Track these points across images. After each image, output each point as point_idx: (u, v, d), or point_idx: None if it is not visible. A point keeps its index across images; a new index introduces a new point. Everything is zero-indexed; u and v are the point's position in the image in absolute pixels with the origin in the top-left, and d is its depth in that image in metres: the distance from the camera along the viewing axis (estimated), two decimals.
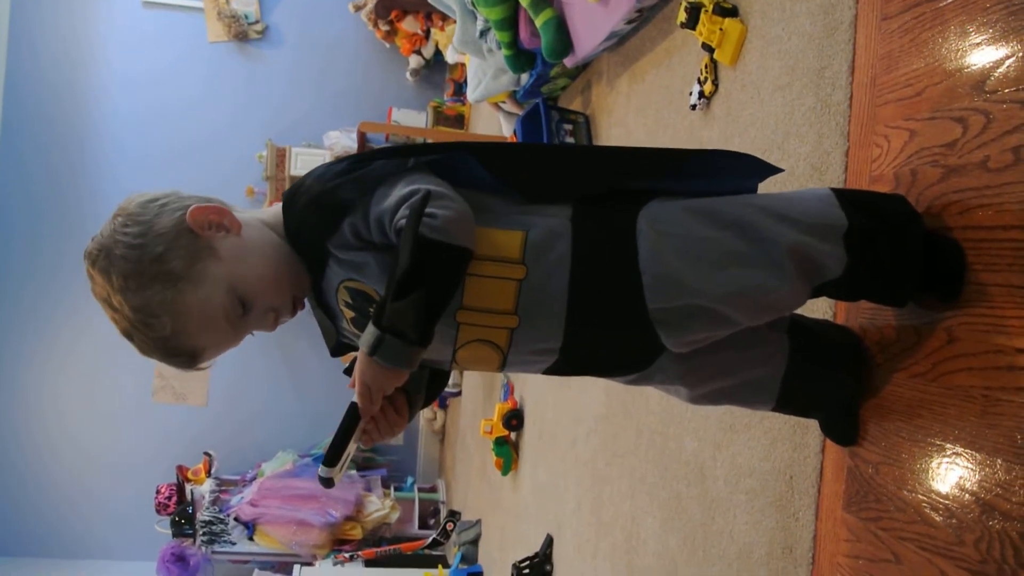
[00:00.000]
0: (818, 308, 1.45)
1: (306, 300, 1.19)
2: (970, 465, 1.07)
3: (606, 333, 1.12)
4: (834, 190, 1.17)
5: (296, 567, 4.82)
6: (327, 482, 1.06)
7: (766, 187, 1.27)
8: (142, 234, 1.06)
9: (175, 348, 1.08)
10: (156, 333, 1.06)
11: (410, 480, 5.94)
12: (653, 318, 1.08)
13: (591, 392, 2.75)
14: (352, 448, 1.08)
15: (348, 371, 1.11)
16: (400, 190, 1.03)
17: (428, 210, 0.98)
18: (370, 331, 0.98)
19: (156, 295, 1.04)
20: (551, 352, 1.13)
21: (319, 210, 1.08)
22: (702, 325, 1.09)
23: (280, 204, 1.17)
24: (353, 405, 1.05)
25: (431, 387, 1.24)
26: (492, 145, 1.17)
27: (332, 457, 1.05)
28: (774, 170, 1.20)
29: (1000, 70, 1.07)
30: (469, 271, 1.04)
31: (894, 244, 1.14)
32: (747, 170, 1.21)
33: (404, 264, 0.96)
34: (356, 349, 1.21)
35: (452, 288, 1.02)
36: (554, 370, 1.18)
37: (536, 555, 3.08)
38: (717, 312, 1.08)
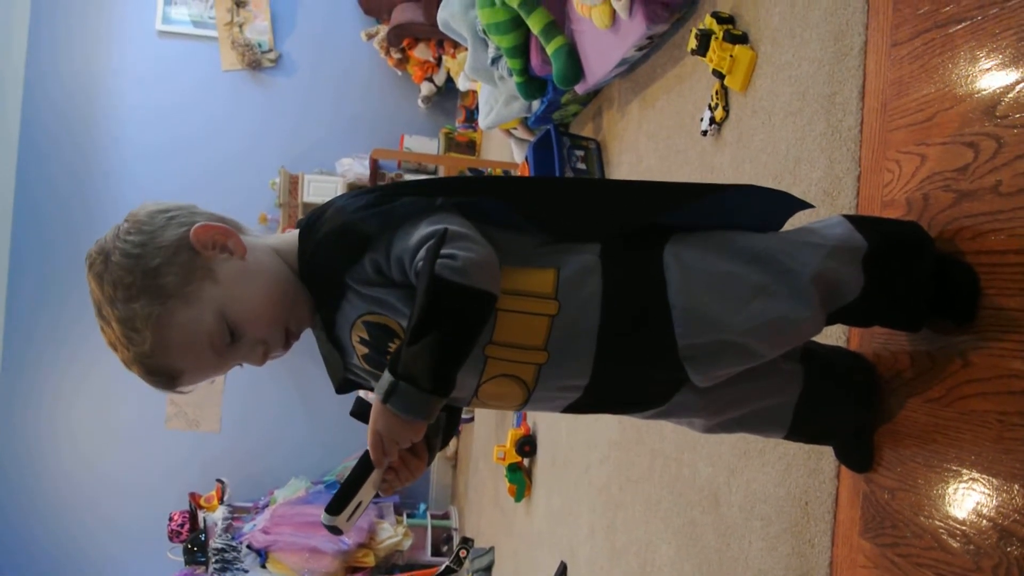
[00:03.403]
0: (832, 334, 1.44)
1: (314, 333, 1.14)
2: (987, 491, 1.06)
3: (633, 371, 1.11)
4: (846, 216, 1.17)
5: None
6: (333, 530, 1.02)
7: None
8: (142, 244, 1.03)
9: (153, 366, 1.04)
10: (136, 348, 1.02)
11: (422, 507, 5.92)
12: (682, 355, 1.06)
13: (605, 418, 2.73)
14: (368, 496, 1.03)
15: (355, 413, 1.07)
16: (423, 230, 0.99)
17: (447, 251, 0.94)
18: (385, 377, 0.94)
19: (142, 309, 1.01)
20: (576, 389, 1.11)
21: (340, 242, 1.04)
22: (729, 360, 1.08)
23: (294, 231, 1.13)
24: (367, 453, 1.00)
25: (447, 427, 1.19)
26: (520, 184, 1.13)
27: (336, 505, 1.00)
28: (804, 205, 1.19)
29: (1011, 95, 1.08)
30: (501, 307, 1.01)
31: (907, 267, 1.14)
32: (777, 206, 1.18)
33: (419, 307, 0.92)
34: (362, 387, 1.18)
35: (472, 333, 0.96)
36: (574, 408, 1.16)
37: None
38: (744, 346, 1.07)
